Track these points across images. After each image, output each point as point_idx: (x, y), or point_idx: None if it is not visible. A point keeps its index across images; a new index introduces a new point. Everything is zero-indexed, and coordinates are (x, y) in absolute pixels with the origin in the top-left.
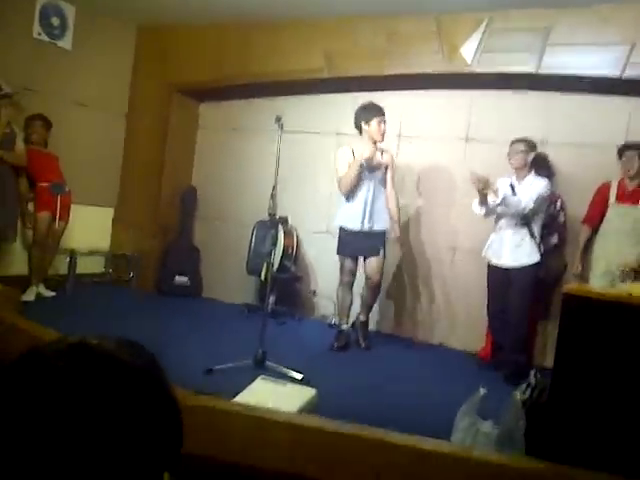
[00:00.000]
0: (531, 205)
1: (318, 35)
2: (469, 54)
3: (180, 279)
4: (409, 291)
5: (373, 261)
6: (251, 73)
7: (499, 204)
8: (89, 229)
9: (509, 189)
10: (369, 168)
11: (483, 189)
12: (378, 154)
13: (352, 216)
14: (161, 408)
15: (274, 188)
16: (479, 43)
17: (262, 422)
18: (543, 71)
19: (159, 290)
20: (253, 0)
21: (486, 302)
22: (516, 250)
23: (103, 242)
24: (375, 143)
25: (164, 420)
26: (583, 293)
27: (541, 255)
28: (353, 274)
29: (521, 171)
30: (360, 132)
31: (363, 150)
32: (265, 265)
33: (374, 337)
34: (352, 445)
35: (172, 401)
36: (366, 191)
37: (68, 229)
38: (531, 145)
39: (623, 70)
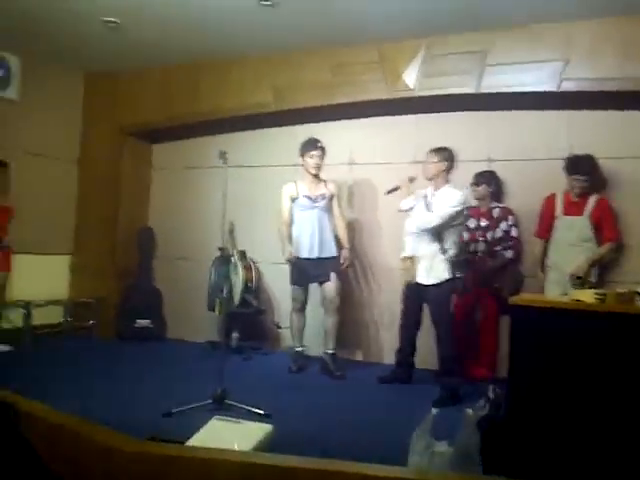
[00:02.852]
0: (435, 223)
1: (265, 70)
2: (411, 80)
3: (142, 322)
4: (367, 315)
5: (328, 285)
6: (200, 111)
7: (406, 210)
8: (45, 279)
9: (422, 200)
10: (311, 199)
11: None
12: (321, 185)
13: (301, 245)
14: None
15: (231, 224)
16: (419, 68)
17: (210, 464)
18: (483, 91)
19: (121, 335)
20: (199, 41)
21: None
22: (429, 268)
23: (61, 291)
24: (315, 176)
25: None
26: (528, 302)
27: (453, 271)
28: (304, 301)
29: (436, 181)
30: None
31: (305, 183)
32: (218, 300)
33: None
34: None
35: (25, 445)
36: (312, 221)
37: (23, 280)
38: (445, 155)
39: (559, 85)
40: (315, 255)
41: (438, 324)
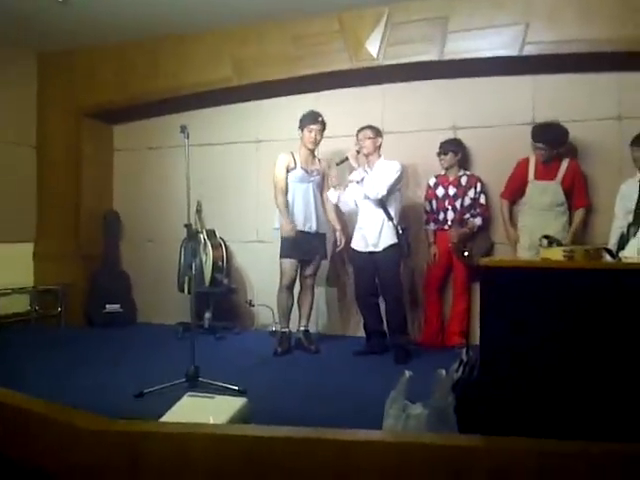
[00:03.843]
0: (384, 192)
1: (225, 44)
2: (374, 49)
3: (111, 307)
4: (342, 288)
5: (311, 263)
6: (160, 89)
7: (358, 182)
8: (8, 267)
9: (364, 174)
10: (307, 172)
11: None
12: (316, 161)
13: (295, 218)
14: None
15: (198, 203)
16: (382, 37)
17: (183, 438)
18: (446, 57)
19: (90, 321)
20: (156, 15)
21: (358, 288)
22: (378, 235)
23: (26, 279)
24: (311, 150)
25: None
26: (497, 264)
27: (399, 236)
28: (294, 277)
29: (371, 157)
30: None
31: (301, 156)
32: (187, 278)
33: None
34: (282, 447)
35: None
36: (307, 194)
37: None
38: (377, 131)
39: (521, 49)
40: (313, 229)
41: (386, 287)
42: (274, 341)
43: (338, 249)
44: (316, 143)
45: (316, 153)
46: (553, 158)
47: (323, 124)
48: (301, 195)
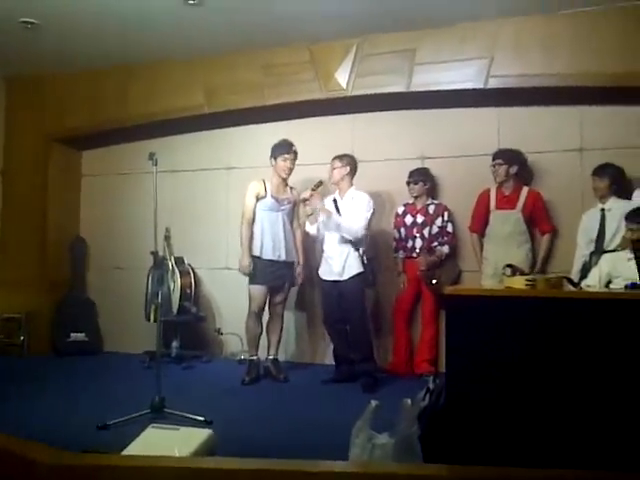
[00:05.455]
0: (362, 231)
1: (196, 72)
2: (343, 79)
3: (76, 336)
4: (310, 316)
5: (280, 291)
6: (130, 116)
7: (326, 223)
8: None
9: (332, 204)
10: (278, 201)
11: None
12: (288, 190)
13: (265, 246)
14: None
15: (167, 229)
16: (351, 68)
17: (146, 471)
18: (413, 89)
19: (55, 351)
20: (126, 43)
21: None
22: (344, 265)
23: None
24: (283, 179)
25: None
26: (462, 292)
27: (364, 265)
28: (263, 303)
29: (342, 186)
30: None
31: (272, 185)
32: (153, 307)
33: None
34: None
35: None
36: (277, 223)
37: None
38: (348, 160)
39: (485, 82)
40: (282, 258)
41: (350, 315)
42: (243, 370)
43: (297, 284)
44: (290, 172)
45: (287, 182)
46: (510, 179)
47: (296, 153)
48: (270, 224)
